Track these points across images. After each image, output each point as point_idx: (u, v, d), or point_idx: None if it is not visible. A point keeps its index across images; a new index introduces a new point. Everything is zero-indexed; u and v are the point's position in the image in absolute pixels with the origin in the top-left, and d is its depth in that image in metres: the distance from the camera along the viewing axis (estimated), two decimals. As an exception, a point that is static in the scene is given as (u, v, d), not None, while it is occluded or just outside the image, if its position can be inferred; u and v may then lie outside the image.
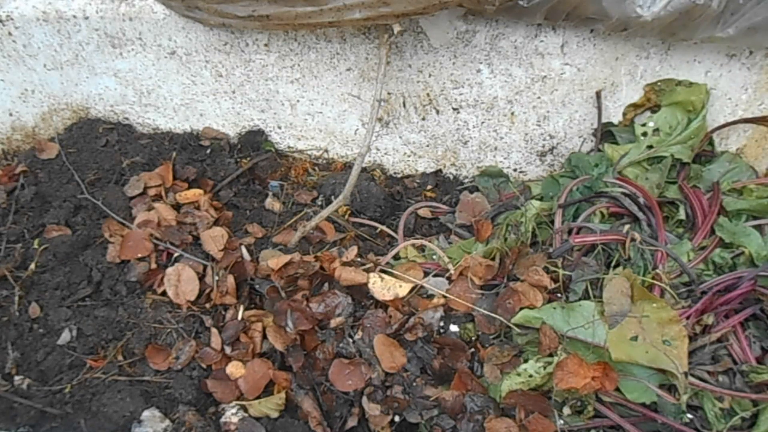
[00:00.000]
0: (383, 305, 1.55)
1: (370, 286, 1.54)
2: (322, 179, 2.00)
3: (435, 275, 1.63)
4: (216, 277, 1.59)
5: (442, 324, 1.51)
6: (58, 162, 1.87)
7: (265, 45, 1.82)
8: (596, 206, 1.66)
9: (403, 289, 1.55)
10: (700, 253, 1.57)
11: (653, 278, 1.44)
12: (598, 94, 1.82)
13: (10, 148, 2.07)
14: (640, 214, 1.63)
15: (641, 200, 1.63)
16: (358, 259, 1.64)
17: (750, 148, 1.89)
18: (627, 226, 1.55)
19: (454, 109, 1.90)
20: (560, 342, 1.40)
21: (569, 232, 1.61)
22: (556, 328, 1.41)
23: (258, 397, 1.44)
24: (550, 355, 1.40)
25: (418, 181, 2.04)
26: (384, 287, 1.54)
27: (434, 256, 1.73)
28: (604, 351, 1.36)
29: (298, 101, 1.94)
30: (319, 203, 1.93)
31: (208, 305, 1.58)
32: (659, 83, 1.78)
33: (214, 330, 1.53)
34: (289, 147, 2.07)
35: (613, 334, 1.37)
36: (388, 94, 1.89)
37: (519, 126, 1.92)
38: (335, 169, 2.05)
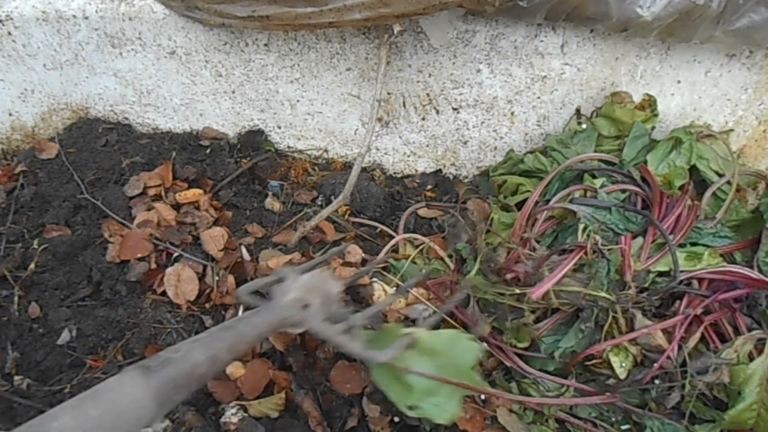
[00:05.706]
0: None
1: (374, 299, 1.54)
2: (322, 179, 1.99)
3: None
4: (216, 277, 1.59)
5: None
6: (58, 162, 1.87)
7: (265, 45, 1.81)
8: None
9: (400, 304, 1.54)
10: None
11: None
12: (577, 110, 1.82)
13: (9, 148, 2.06)
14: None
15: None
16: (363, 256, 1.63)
17: (750, 148, 1.89)
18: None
19: (454, 109, 1.90)
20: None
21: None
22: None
23: (258, 397, 1.43)
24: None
25: (418, 181, 2.04)
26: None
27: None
28: None
29: (297, 101, 1.94)
30: (319, 203, 1.93)
31: (208, 305, 1.58)
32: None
33: (214, 330, 1.52)
34: (288, 147, 2.07)
35: None
36: (388, 94, 1.88)
37: (519, 126, 1.92)
38: (335, 169, 2.05)
